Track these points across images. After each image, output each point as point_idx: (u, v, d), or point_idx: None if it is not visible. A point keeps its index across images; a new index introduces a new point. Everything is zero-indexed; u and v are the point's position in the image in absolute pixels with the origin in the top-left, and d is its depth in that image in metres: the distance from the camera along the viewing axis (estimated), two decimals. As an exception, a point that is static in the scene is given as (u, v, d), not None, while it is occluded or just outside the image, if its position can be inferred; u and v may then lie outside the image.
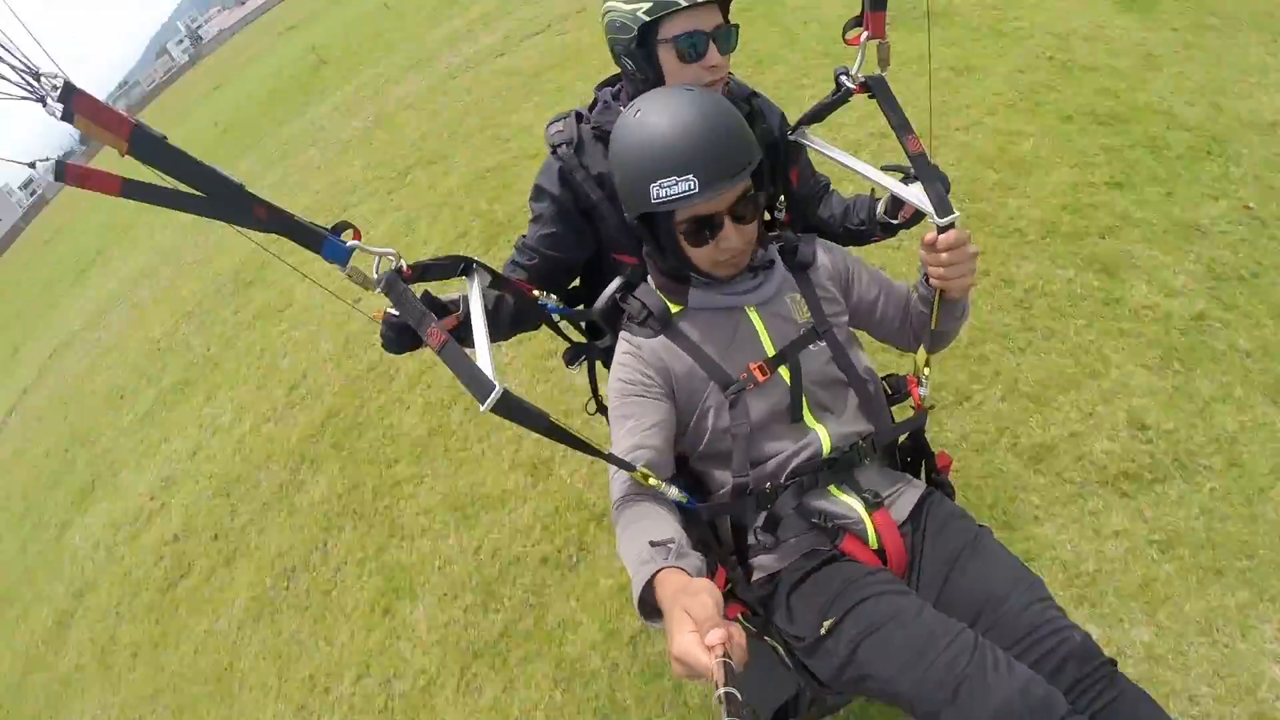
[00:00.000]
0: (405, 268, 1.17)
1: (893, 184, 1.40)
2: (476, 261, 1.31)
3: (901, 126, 1.33)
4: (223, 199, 0.99)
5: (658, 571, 1.03)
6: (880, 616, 1.22)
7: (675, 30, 1.44)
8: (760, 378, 1.37)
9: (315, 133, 10.87)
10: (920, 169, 1.31)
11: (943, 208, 1.28)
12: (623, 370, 1.41)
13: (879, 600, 1.24)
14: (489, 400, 1.01)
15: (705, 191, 1.22)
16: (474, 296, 1.26)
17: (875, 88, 1.37)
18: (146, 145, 0.93)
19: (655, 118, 1.25)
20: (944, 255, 1.28)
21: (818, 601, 1.32)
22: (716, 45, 1.47)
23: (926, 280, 1.39)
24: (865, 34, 1.34)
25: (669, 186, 1.23)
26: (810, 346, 1.41)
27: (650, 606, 1.04)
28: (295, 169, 9.64)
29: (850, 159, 1.45)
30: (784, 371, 1.39)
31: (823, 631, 1.27)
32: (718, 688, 0.74)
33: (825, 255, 1.51)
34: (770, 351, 1.40)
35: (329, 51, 16.96)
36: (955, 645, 1.13)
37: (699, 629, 0.83)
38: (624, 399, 1.38)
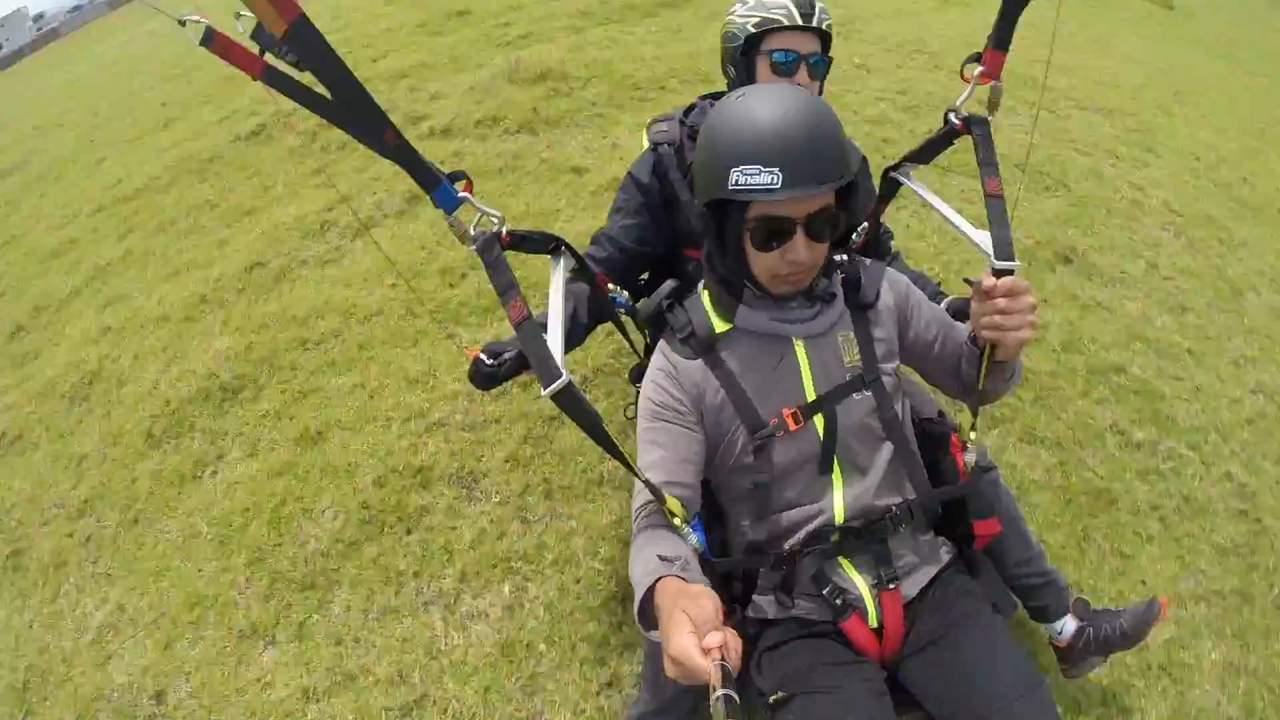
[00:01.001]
0: (505, 234, 1.15)
1: (966, 226, 1.34)
2: (566, 244, 1.30)
3: (988, 165, 1.27)
4: (357, 113, 0.98)
5: (661, 579, 1.02)
6: (825, 714, 1.20)
7: (775, 45, 1.62)
8: (792, 426, 1.29)
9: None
10: (992, 210, 1.25)
11: (1003, 251, 1.21)
12: (655, 390, 1.34)
13: (833, 696, 1.22)
14: (552, 387, 1.02)
15: (786, 190, 1.14)
16: (556, 277, 1.25)
17: (976, 128, 1.31)
18: (304, 34, 0.90)
19: (756, 103, 1.19)
20: (1000, 302, 1.18)
21: (784, 669, 1.29)
22: (808, 69, 1.63)
23: (973, 338, 1.30)
24: (980, 70, 1.30)
25: (751, 175, 1.14)
26: (853, 395, 1.33)
27: (649, 618, 1.03)
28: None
29: (940, 204, 1.42)
30: (819, 420, 1.31)
31: (771, 700, 1.25)
32: (714, 690, 0.75)
33: (889, 292, 1.41)
34: (810, 395, 1.31)
35: None
36: None
37: (697, 632, 0.82)
38: (655, 421, 1.32)
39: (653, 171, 1.71)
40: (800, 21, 1.60)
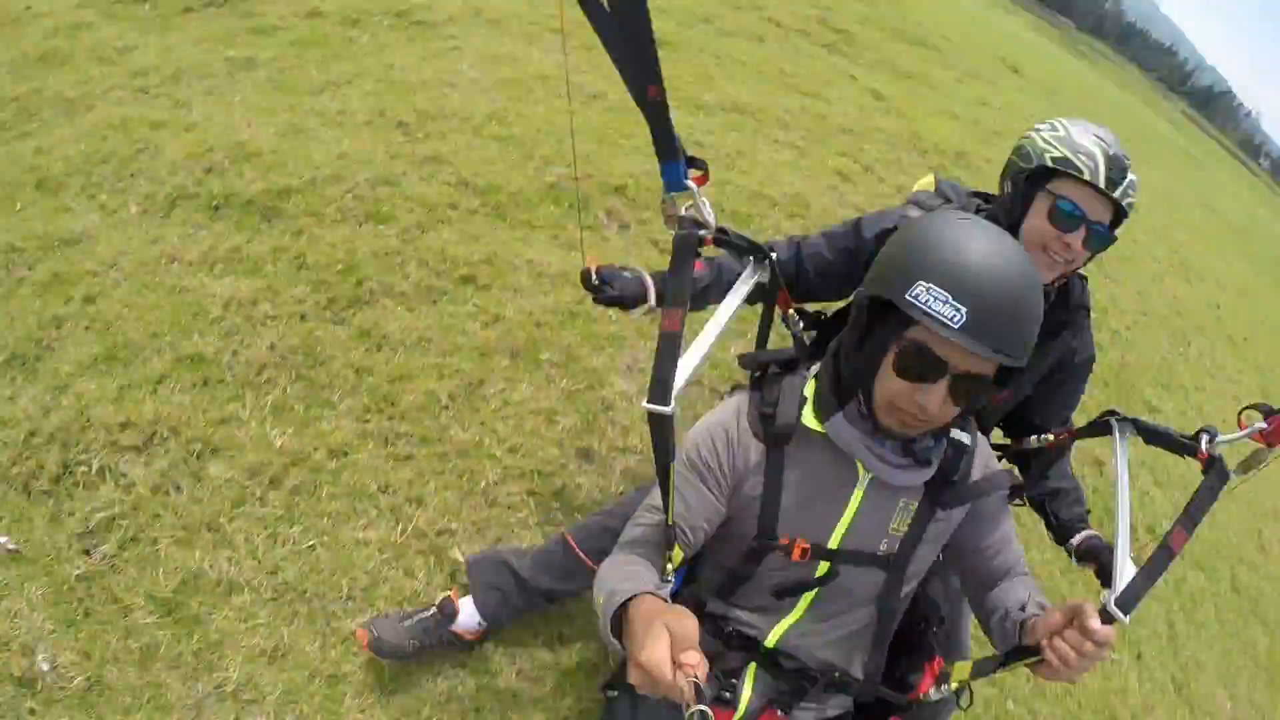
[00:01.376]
0: (710, 237, 1.14)
1: (1125, 538, 1.19)
2: (770, 259, 1.31)
3: (1190, 518, 1.14)
4: (635, 54, 0.92)
5: (643, 593, 1.03)
6: None
7: (1066, 192, 1.50)
8: (795, 558, 1.27)
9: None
10: (1156, 558, 1.12)
11: (1127, 603, 1.09)
12: (709, 447, 1.29)
13: None
14: (655, 408, 1.03)
15: (963, 335, 1.04)
16: (740, 288, 1.27)
17: (1214, 478, 1.17)
18: None
19: (976, 235, 1.11)
20: (1088, 646, 1.03)
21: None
22: (1086, 235, 1.50)
23: (1021, 630, 1.17)
24: (1259, 427, 1.21)
25: (937, 299, 1.05)
26: (871, 568, 1.30)
27: (617, 628, 1.03)
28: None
29: (1125, 490, 1.27)
30: (822, 566, 1.29)
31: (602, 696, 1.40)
32: (689, 706, 0.78)
33: (974, 500, 1.31)
34: (833, 542, 1.28)
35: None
36: None
37: (675, 647, 0.84)
38: (692, 473, 1.29)
39: (877, 236, 1.64)
40: (1101, 184, 1.47)
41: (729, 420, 1.31)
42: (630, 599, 1.02)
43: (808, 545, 1.27)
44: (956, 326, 1.05)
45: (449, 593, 1.88)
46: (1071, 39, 47.56)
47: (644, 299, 1.56)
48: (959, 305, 1.05)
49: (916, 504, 1.28)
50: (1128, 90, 32.97)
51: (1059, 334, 1.67)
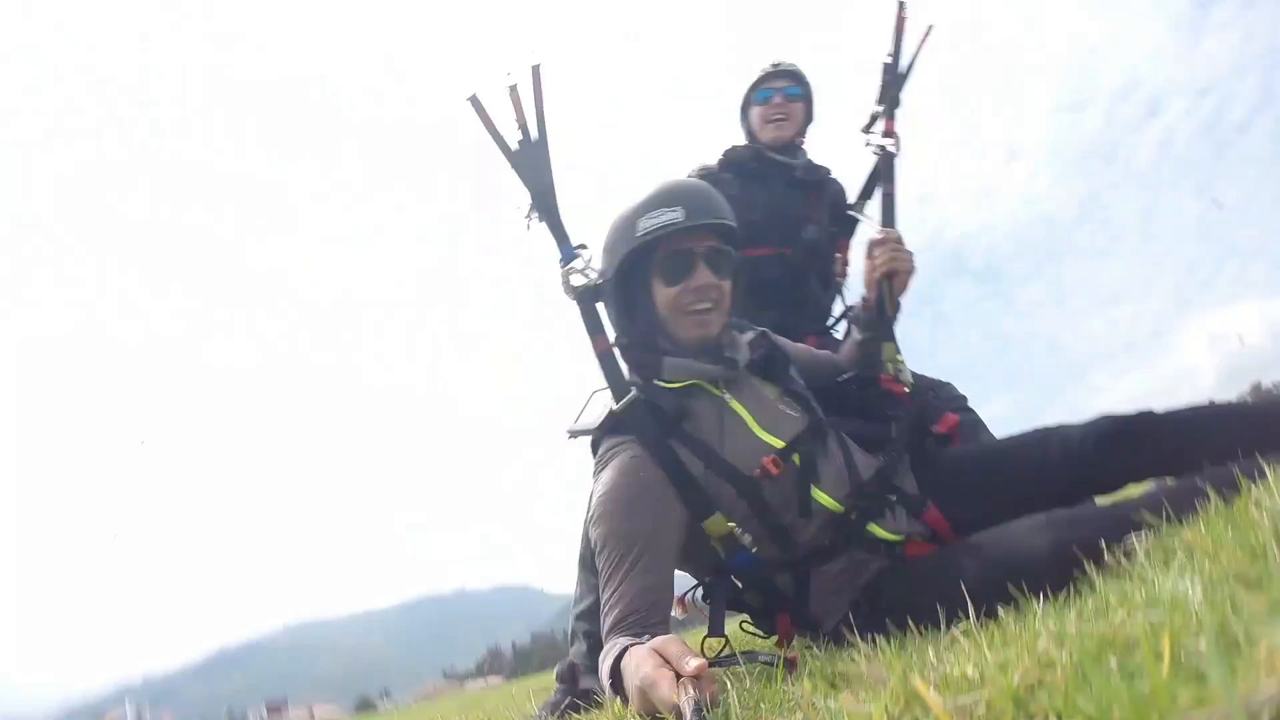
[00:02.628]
0: (599, 284, 1.52)
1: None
2: None
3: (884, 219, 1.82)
4: (528, 165, 1.52)
5: (634, 645, 1.04)
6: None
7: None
8: (774, 471, 1.34)
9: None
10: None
11: (887, 218, 1.79)
12: (632, 483, 1.31)
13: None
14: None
15: (689, 221, 1.40)
16: None
17: (883, 163, 1.98)
18: (532, 149, 1.52)
19: (649, 188, 1.47)
20: (890, 247, 1.66)
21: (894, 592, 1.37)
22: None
23: (865, 303, 1.68)
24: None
25: (656, 216, 1.40)
26: (828, 444, 1.45)
27: (618, 682, 1.06)
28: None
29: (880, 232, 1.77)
30: (795, 459, 1.38)
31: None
32: None
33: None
34: (777, 442, 1.39)
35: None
36: None
37: (668, 665, 0.88)
38: (634, 532, 1.28)
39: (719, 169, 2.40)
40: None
41: (629, 450, 1.39)
42: (621, 655, 1.07)
43: (772, 456, 1.38)
44: (683, 219, 1.42)
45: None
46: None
47: None
48: (674, 207, 1.43)
49: (777, 387, 1.54)
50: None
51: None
